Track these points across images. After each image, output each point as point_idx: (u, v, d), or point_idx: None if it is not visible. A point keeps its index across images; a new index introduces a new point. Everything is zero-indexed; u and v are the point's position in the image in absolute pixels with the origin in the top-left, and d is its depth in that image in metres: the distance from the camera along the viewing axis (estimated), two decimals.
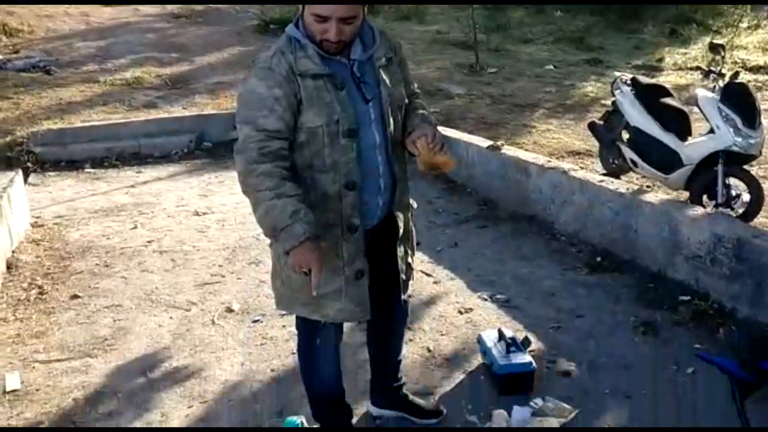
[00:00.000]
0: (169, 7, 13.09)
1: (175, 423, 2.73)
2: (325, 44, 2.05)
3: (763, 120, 4.47)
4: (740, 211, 4.36)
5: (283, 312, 3.55)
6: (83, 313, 3.74)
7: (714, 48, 4.78)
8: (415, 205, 2.47)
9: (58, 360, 3.26)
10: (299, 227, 1.99)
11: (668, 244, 3.81)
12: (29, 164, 6.48)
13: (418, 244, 2.69)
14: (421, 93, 2.48)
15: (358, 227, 2.18)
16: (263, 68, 2.07)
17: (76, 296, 3.94)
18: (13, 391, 2.99)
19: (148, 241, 4.80)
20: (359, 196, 2.17)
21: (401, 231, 2.34)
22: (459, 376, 3.03)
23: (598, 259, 4.20)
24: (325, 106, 2.06)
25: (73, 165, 6.71)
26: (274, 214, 2.02)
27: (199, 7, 13.16)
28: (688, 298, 3.59)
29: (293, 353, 3.19)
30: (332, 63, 2.10)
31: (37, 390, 3.00)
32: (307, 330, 2.39)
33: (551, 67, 9.92)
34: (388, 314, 2.50)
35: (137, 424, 2.72)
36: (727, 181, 4.37)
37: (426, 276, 4.09)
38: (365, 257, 2.22)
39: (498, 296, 3.79)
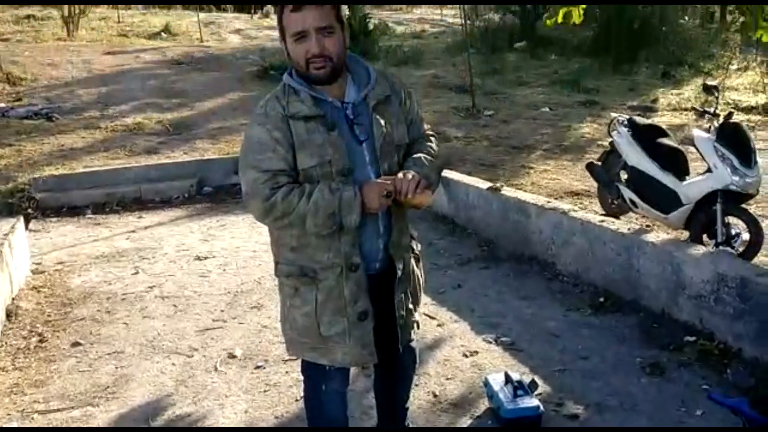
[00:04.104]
0: (170, 54, 13.34)
1: None
2: (312, 66, 2.07)
3: (758, 159, 4.52)
4: (740, 249, 4.37)
5: (287, 358, 3.55)
6: (84, 361, 3.71)
7: (708, 89, 4.87)
8: (418, 247, 2.43)
9: (58, 410, 3.22)
10: (346, 193, 2.04)
11: (671, 284, 3.81)
12: (30, 210, 6.51)
13: None
14: (435, 135, 2.47)
15: (359, 265, 2.16)
16: (260, 114, 2.13)
17: (77, 343, 3.91)
18: None
19: (150, 287, 4.79)
20: (358, 237, 2.16)
21: (399, 274, 2.27)
22: (466, 421, 2.99)
23: (601, 299, 4.19)
24: (317, 148, 2.08)
25: (74, 211, 6.74)
26: (321, 208, 2.03)
27: (198, 54, 13.41)
28: (693, 338, 3.57)
29: (297, 400, 3.16)
30: (325, 105, 2.13)
31: None
32: (313, 375, 2.36)
33: (547, 109, 10.09)
34: (392, 362, 2.46)
35: None
36: (726, 220, 4.40)
37: (430, 318, 4.07)
38: (368, 298, 2.20)
39: (502, 338, 3.77)
